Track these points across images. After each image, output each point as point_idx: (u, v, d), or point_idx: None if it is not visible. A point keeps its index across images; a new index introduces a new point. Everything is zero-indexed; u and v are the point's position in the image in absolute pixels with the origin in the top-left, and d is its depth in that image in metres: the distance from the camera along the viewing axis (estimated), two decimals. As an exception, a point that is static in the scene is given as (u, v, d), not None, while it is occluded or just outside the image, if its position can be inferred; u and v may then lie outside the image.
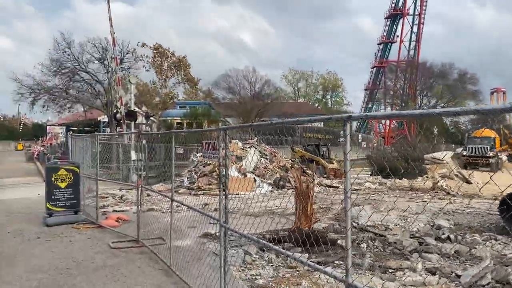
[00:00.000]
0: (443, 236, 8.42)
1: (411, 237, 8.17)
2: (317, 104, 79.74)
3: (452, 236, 8.40)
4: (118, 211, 12.02)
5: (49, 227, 9.44)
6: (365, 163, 28.91)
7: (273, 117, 41.97)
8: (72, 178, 10.29)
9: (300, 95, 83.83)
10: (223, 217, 4.41)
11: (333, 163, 26.32)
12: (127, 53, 37.34)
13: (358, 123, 71.47)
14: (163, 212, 10.90)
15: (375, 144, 51.59)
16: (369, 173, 24.33)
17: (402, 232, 8.51)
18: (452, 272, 6.23)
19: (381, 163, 21.65)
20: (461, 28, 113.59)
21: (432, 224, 9.53)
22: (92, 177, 10.76)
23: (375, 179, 21.21)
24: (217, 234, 7.27)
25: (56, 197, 10.01)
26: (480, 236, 8.66)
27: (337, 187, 18.36)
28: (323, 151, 28.63)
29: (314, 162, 25.12)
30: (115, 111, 23.81)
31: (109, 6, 20.66)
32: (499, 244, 8.11)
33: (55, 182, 10.03)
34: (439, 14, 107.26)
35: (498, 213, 9.40)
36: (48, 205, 9.93)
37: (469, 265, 6.78)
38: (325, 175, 24.01)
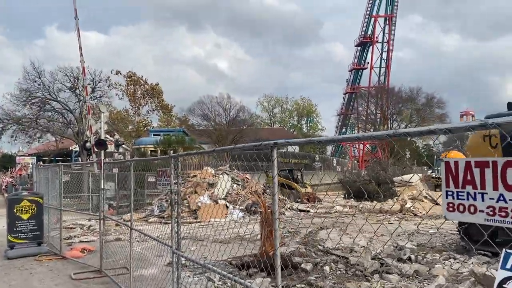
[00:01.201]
0: (404, 257, 8.61)
1: (372, 259, 8.32)
2: (292, 130, 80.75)
3: (413, 257, 8.60)
4: (85, 241, 11.81)
5: (10, 260, 9.21)
6: (339, 187, 29.34)
7: (248, 143, 42.18)
8: (35, 209, 10.12)
9: (275, 120, 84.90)
10: (175, 244, 4.46)
11: (306, 187, 26.58)
12: (99, 82, 37.26)
13: (333, 148, 72.69)
14: (128, 242, 10.75)
15: (349, 168, 52.33)
16: (342, 196, 24.65)
17: (364, 253, 8.67)
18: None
19: (353, 187, 22.01)
20: (428, 53, 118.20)
21: (395, 245, 9.73)
22: (57, 208, 10.60)
23: (347, 202, 21.49)
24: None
25: (18, 228, 9.79)
26: (441, 255, 8.90)
27: (308, 211, 18.51)
28: (297, 175, 28.91)
29: (288, 187, 25.34)
30: (85, 140, 23.58)
31: (79, 36, 20.76)
32: (458, 262, 8.36)
33: (18, 214, 9.84)
34: (407, 40, 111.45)
35: (457, 232, 9.70)
36: (9, 237, 9.71)
37: (426, 284, 6.97)
38: (299, 199, 24.20)
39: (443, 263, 8.27)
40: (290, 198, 23.94)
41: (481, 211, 1.77)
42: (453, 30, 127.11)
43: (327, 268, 7.95)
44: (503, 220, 1.70)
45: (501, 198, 1.71)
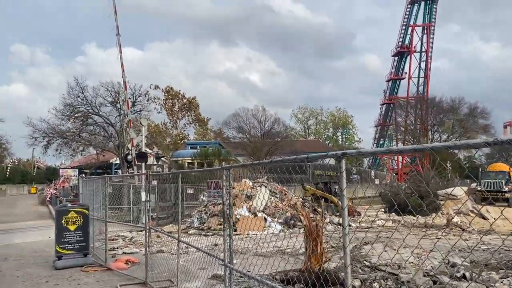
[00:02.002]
0: (458, 274, 8.16)
1: (424, 276, 7.94)
2: (328, 142, 79.85)
3: (467, 274, 8.14)
4: (128, 253, 11.94)
5: (58, 270, 9.40)
6: (379, 200, 28.57)
7: (283, 155, 42.04)
8: (81, 220, 10.33)
9: (310, 132, 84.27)
10: (228, 258, 4.37)
11: (345, 201, 26.01)
12: (139, 96, 38.29)
13: (370, 160, 71.23)
14: (172, 254, 10.79)
15: (388, 181, 51.02)
16: (383, 210, 23.95)
17: (416, 270, 8.29)
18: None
19: (395, 200, 21.34)
20: (467, 62, 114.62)
21: (447, 262, 9.27)
22: (101, 219, 10.79)
23: (389, 216, 20.84)
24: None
25: (65, 239, 10.01)
26: (497, 273, 8.38)
27: (350, 225, 18.04)
28: (335, 188, 28.38)
29: (325, 199, 24.89)
30: (126, 152, 24.13)
31: (120, 52, 21.41)
32: (517, 282, 7.83)
33: (65, 225, 10.08)
34: (445, 50, 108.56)
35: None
36: (57, 248, 9.93)
37: (486, 304, 6.54)
38: (337, 213, 23.70)
39: (502, 282, 7.77)
40: (328, 211, 23.48)
41: None
42: (492, 38, 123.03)
43: (376, 285, 7.63)
44: None
45: None
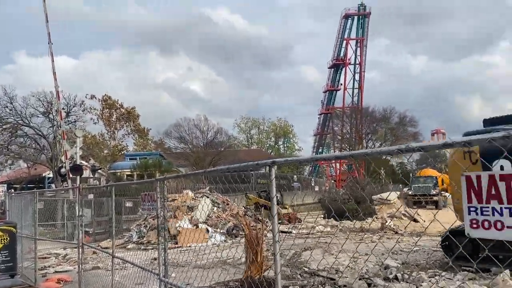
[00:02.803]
0: (390, 276, 8.56)
1: (360, 279, 8.24)
2: (270, 151, 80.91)
3: (399, 275, 8.56)
4: (60, 271, 11.30)
5: (-19, 295, 8.69)
6: (318, 207, 29.36)
7: (227, 165, 41.93)
8: (8, 239, 9.62)
9: (253, 142, 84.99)
10: (163, 272, 4.28)
11: (286, 208, 26.46)
12: (73, 106, 36.62)
13: (310, 168, 73.05)
14: (108, 270, 10.36)
15: (327, 188, 52.56)
16: (322, 216, 24.59)
17: (351, 274, 8.59)
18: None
19: (332, 206, 22.02)
20: (398, 74, 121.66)
21: (380, 264, 9.68)
22: (31, 237, 10.15)
23: (327, 222, 21.44)
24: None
25: (-11, 261, 9.28)
26: (426, 273, 8.89)
27: (290, 232, 18.35)
28: (277, 196, 28.76)
29: (267, 207, 25.15)
30: (60, 165, 22.95)
31: (53, 60, 20.42)
32: (444, 280, 8.36)
33: (-11, 245, 9.34)
34: (378, 62, 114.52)
35: (441, 249, 9.75)
36: (-20, 270, 9.17)
37: (415, 303, 6.91)
38: (280, 221, 24.00)
39: (430, 281, 8.25)
40: (270, 220, 23.73)
41: (509, 227, 1.71)
42: (419, 51, 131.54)
43: (314, 290, 7.81)
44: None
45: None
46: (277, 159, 2.65)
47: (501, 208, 1.71)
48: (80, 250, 7.90)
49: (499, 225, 1.72)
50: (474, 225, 1.79)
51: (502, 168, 7.45)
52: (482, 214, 1.76)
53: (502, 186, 1.70)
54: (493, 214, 1.73)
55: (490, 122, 10.07)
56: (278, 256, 2.58)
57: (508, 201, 1.69)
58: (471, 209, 1.80)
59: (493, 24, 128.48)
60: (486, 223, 1.75)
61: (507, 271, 6.92)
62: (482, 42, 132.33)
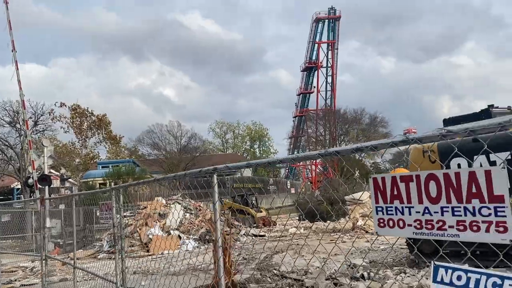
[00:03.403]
0: (357, 275, 8.73)
1: (327, 279, 8.37)
2: (246, 154, 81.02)
3: (365, 274, 8.74)
4: (27, 285, 11.04)
5: None
6: (294, 209, 29.56)
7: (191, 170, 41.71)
8: (-31, 254, 9.36)
9: (228, 146, 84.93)
10: (121, 280, 4.26)
11: (261, 212, 26.56)
12: (41, 115, 35.76)
13: (286, 170, 73.49)
14: (77, 281, 10.17)
15: (303, 190, 53.00)
16: (297, 218, 24.80)
17: (318, 274, 8.71)
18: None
19: (306, 208, 22.23)
20: (369, 76, 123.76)
21: (348, 264, 9.86)
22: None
23: (302, 223, 21.64)
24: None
25: (-51, 277, 8.99)
26: (392, 270, 9.11)
27: (264, 235, 18.44)
28: (251, 200, 28.86)
29: (242, 212, 25.18)
30: (27, 176, 22.37)
31: (17, 68, 19.94)
32: (408, 276, 8.58)
33: (-51, 261, 9.05)
34: (350, 64, 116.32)
35: (406, 246, 10.00)
36: None
37: (379, 300, 7.07)
38: (254, 224, 24.08)
39: (395, 278, 8.46)
40: (246, 224, 23.79)
41: (409, 225, 1.82)
42: (388, 53, 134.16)
43: (282, 292, 7.89)
44: (430, 233, 1.76)
45: (426, 211, 1.77)
46: (218, 166, 2.70)
47: (402, 208, 1.83)
48: (44, 262, 7.75)
49: (401, 223, 1.83)
50: (382, 224, 1.91)
51: (459, 166, 7.74)
52: (387, 213, 1.88)
53: (402, 186, 1.82)
54: (396, 214, 1.85)
55: (451, 121, 10.44)
56: (222, 261, 2.63)
57: (408, 201, 1.81)
58: (378, 209, 1.91)
59: (459, 25, 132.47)
60: (391, 222, 1.87)
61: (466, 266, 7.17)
62: (449, 43, 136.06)
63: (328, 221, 20.33)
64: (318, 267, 10.13)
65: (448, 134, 1.73)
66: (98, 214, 19.45)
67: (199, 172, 2.83)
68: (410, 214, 1.82)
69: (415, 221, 1.81)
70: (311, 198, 29.53)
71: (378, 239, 12.38)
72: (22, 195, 33.23)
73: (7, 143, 33.95)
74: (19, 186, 35.27)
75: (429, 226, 1.76)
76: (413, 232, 1.82)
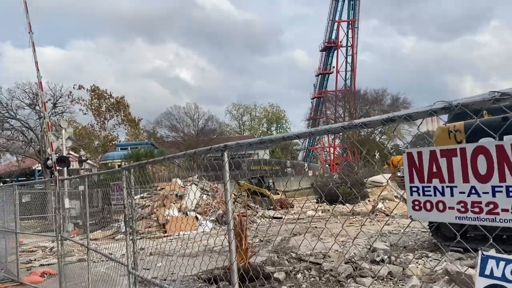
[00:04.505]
0: (377, 259, 8.47)
1: (346, 263, 8.13)
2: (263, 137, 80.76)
3: (386, 258, 8.47)
4: (46, 264, 11.14)
5: (-39, 291, 8.52)
6: (311, 192, 29.31)
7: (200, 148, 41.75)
8: (-12, 234, 9.44)
9: (245, 128, 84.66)
10: (132, 263, 4.10)
11: (278, 194, 26.39)
12: (60, 97, 35.96)
13: (304, 153, 73.04)
14: (94, 262, 10.20)
15: (321, 172, 52.58)
16: (315, 201, 24.56)
17: (337, 258, 8.48)
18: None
19: (324, 190, 21.95)
20: (389, 55, 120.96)
21: (368, 248, 9.60)
22: (11, 231, 9.95)
23: (320, 206, 21.40)
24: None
25: (-31, 256, 9.10)
26: (414, 254, 8.81)
27: (281, 218, 18.28)
28: (269, 182, 28.71)
29: (259, 194, 25.07)
30: (46, 157, 22.60)
31: (34, 50, 19.88)
32: (431, 261, 8.28)
33: (-32, 240, 9.15)
34: (370, 44, 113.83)
35: (429, 230, 9.66)
36: (-40, 266, 8.99)
37: (401, 285, 6.81)
38: (271, 207, 23.96)
39: (417, 262, 8.17)
40: (262, 206, 23.69)
41: (451, 208, 1.52)
42: (408, 32, 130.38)
43: (299, 276, 7.70)
44: (477, 217, 1.47)
45: (473, 192, 1.47)
46: (228, 143, 2.45)
47: (442, 187, 1.52)
48: (59, 242, 7.72)
49: (440, 206, 1.52)
50: (417, 207, 1.60)
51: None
52: (424, 194, 1.57)
53: (443, 162, 1.50)
54: (435, 194, 1.54)
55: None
56: (233, 245, 2.40)
57: (449, 179, 1.49)
58: (413, 189, 1.60)
59: (483, 3, 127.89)
60: (428, 204, 1.56)
61: (493, 251, 6.83)
62: (472, 22, 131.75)
63: (347, 204, 20.02)
64: (337, 250, 9.91)
65: (503, 98, 1.42)
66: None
67: (209, 150, 2.58)
68: (452, 195, 1.51)
69: (458, 203, 1.51)
70: (329, 181, 29.20)
71: (398, 223, 12.05)
72: (43, 176, 33.78)
73: (27, 125, 34.37)
74: (40, 168, 35.85)
75: (477, 210, 1.46)
76: (456, 217, 1.52)
